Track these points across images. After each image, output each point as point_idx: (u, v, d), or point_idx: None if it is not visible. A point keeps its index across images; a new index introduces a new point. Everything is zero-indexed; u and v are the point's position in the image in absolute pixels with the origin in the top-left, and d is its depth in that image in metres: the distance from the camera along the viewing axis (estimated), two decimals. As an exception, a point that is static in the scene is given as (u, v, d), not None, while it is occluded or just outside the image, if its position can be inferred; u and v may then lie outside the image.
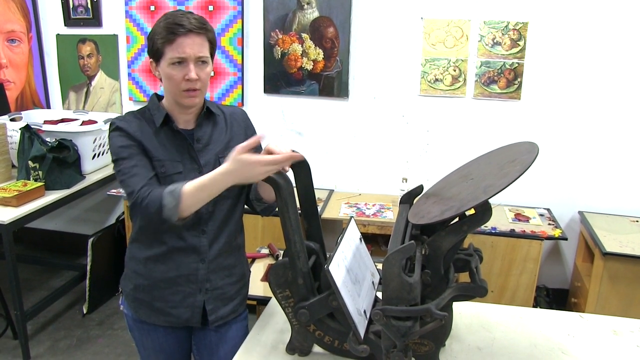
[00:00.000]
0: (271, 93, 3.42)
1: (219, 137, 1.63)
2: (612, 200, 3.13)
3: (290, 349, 1.53)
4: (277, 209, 1.46)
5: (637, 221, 3.03)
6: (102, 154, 3.33)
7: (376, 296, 1.50)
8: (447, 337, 1.49)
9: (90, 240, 3.27)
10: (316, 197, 1.60)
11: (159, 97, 1.63)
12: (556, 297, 3.25)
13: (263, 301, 1.99)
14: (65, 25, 3.66)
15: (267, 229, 3.09)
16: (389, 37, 3.18)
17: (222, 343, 1.72)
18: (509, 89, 3.09)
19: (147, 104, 1.61)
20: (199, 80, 1.50)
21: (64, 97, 3.82)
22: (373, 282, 1.51)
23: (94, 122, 3.29)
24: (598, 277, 2.74)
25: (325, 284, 1.43)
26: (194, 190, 1.41)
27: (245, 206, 1.73)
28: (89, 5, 3.56)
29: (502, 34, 3.03)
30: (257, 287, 2.24)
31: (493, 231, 2.87)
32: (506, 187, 1.18)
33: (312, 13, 3.21)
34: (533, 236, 2.85)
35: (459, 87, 3.15)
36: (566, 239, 2.91)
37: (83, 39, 3.66)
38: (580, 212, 3.12)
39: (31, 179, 2.91)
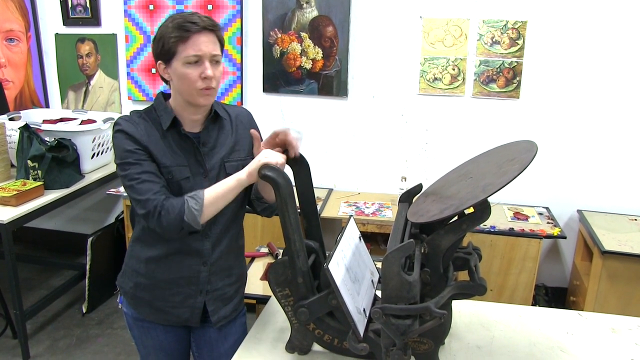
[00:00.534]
0: (270, 92, 3.42)
1: (225, 141, 1.61)
2: (611, 199, 3.13)
3: (290, 347, 1.54)
4: (276, 208, 1.46)
5: (635, 220, 3.04)
6: (102, 153, 3.33)
7: (375, 295, 1.51)
8: (447, 335, 1.49)
9: (89, 240, 3.27)
10: (315, 196, 1.61)
11: (165, 96, 1.60)
12: (555, 295, 3.26)
13: (263, 300, 1.99)
14: (64, 25, 3.66)
15: (267, 228, 3.09)
16: (388, 36, 3.18)
17: (222, 340, 1.73)
18: (508, 88, 3.10)
19: (153, 104, 1.58)
20: (214, 78, 1.48)
21: (63, 96, 3.81)
22: (372, 281, 1.52)
23: (93, 121, 3.29)
24: (597, 276, 2.74)
25: (324, 282, 1.44)
26: (214, 200, 1.47)
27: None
28: (88, 5, 3.56)
29: (501, 33, 3.03)
30: (257, 286, 2.25)
31: (492, 230, 2.88)
32: (505, 185, 1.18)
33: (311, 12, 3.21)
34: (532, 235, 2.85)
35: (457, 86, 3.15)
36: (565, 238, 2.91)
37: (82, 39, 3.66)
38: (579, 211, 3.13)
39: (30, 178, 2.91)
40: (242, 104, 3.45)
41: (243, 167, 1.50)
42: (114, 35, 3.59)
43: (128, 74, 3.61)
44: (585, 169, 3.13)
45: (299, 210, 1.47)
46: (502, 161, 1.35)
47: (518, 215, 3.06)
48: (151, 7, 3.43)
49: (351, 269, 1.38)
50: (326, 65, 3.27)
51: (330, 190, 3.44)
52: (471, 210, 1.29)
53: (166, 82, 1.55)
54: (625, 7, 2.86)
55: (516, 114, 3.13)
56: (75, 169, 3.08)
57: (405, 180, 3.15)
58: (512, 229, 2.89)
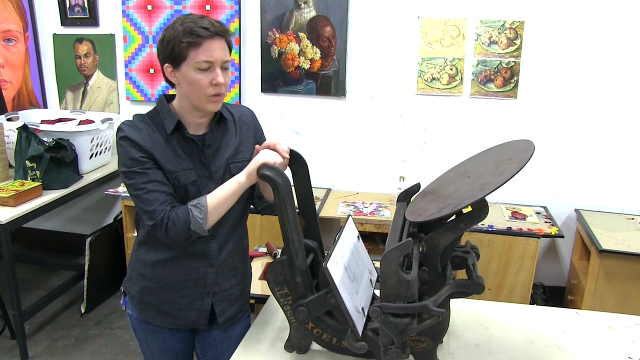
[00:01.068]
0: (268, 92, 3.43)
1: (229, 142, 1.61)
2: (608, 198, 3.14)
3: (289, 346, 1.54)
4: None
5: (633, 219, 3.05)
6: (100, 154, 3.33)
7: (374, 294, 1.51)
8: (445, 334, 1.49)
9: (88, 240, 3.27)
10: (314, 195, 1.61)
11: (168, 98, 1.59)
12: (553, 294, 3.27)
13: (261, 299, 2.00)
14: (62, 25, 3.66)
15: (265, 228, 3.10)
16: (385, 36, 3.19)
17: (226, 341, 1.73)
18: (506, 88, 3.10)
19: (156, 106, 1.57)
20: (224, 84, 1.49)
21: (61, 96, 3.81)
22: (371, 280, 1.52)
23: (91, 121, 3.29)
24: (594, 275, 2.75)
25: (323, 281, 1.44)
26: (217, 206, 1.48)
27: None
28: (86, 5, 3.56)
29: (499, 32, 3.04)
30: (256, 285, 2.24)
31: (490, 229, 2.88)
32: (502, 184, 1.19)
33: (309, 12, 3.21)
34: (530, 234, 2.86)
35: (455, 86, 3.16)
36: (563, 237, 2.93)
37: (80, 39, 3.65)
38: (577, 210, 3.14)
39: (28, 178, 2.91)
40: (240, 104, 3.45)
41: None
42: (112, 36, 3.59)
43: (126, 74, 3.61)
44: (582, 168, 3.14)
45: (297, 210, 1.47)
46: (499, 160, 1.35)
47: (516, 215, 3.06)
48: (149, 7, 3.43)
49: (350, 268, 1.38)
50: (324, 65, 3.28)
51: (329, 190, 3.45)
52: (469, 209, 1.30)
53: (172, 84, 1.54)
54: (623, 6, 2.87)
55: (514, 114, 3.14)
56: (73, 169, 3.08)
57: (403, 179, 3.15)
58: (510, 228, 2.90)
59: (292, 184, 1.48)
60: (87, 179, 3.16)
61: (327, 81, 3.30)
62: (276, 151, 1.48)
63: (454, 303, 1.66)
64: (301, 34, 3.25)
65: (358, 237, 1.55)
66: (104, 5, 3.56)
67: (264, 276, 2.29)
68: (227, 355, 1.67)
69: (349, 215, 1.60)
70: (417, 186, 1.60)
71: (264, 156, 1.45)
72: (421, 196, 1.53)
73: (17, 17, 3.67)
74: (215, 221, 1.50)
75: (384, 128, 3.33)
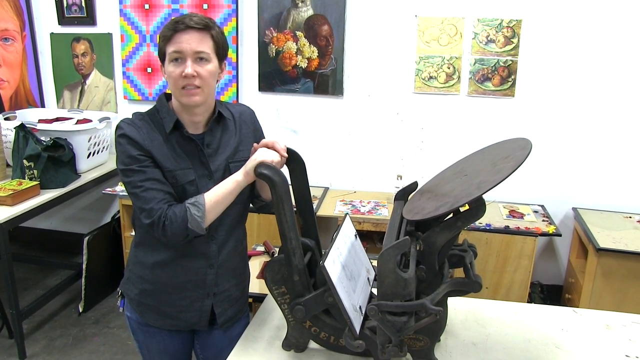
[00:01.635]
0: (266, 91, 3.42)
1: (228, 141, 1.60)
2: (605, 197, 3.15)
3: (287, 345, 1.54)
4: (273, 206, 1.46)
5: (630, 217, 3.05)
6: (97, 153, 3.33)
7: (371, 292, 1.51)
8: (442, 332, 1.50)
9: (85, 239, 3.26)
10: (311, 194, 1.61)
11: (168, 97, 1.58)
12: (550, 293, 3.27)
13: (259, 298, 1.99)
14: (59, 24, 3.65)
15: (263, 227, 3.10)
16: (383, 35, 3.19)
17: (226, 341, 1.72)
18: (503, 86, 3.11)
19: (156, 105, 1.56)
20: (198, 77, 1.45)
21: (59, 96, 3.81)
22: (368, 279, 1.52)
23: (89, 120, 3.29)
24: (592, 273, 2.75)
25: (320, 280, 1.44)
26: (214, 204, 1.47)
27: None
28: (83, 4, 3.55)
29: (496, 31, 3.04)
30: (253, 284, 2.24)
31: (487, 228, 2.89)
32: (499, 183, 1.19)
33: (306, 11, 3.21)
34: (527, 232, 2.87)
35: (453, 85, 3.16)
36: (560, 235, 2.93)
37: (77, 38, 3.65)
38: (574, 209, 3.14)
39: (26, 178, 2.90)
40: (237, 102, 3.45)
41: None
42: (109, 35, 3.59)
43: (124, 73, 3.61)
44: (580, 166, 3.14)
45: (295, 209, 1.47)
46: (496, 159, 1.36)
47: (513, 213, 3.07)
48: (146, 6, 3.43)
49: (347, 267, 1.38)
50: (322, 64, 3.28)
51: (326, 189, 3.45)
52: (466, 207, 1.30)
53: None
54: (620, 5, 2.87)
55: (511, 112, 3.14)
56: (71, 169, 3.07)
57: (400, 178, 3.15)
58: (508, 226, 2.90)
59: (289, 182, 1.48)
60: (85, 178, 3.16)
61: (324, 80, 3.30)
62: (274, 150, 1.48)
63: (452, 301, 1.66)
64: (298, 33, 3.25)
65: (355, 235, 1.55)
66: (101, 5, 3.55)
67: (262, 275, 2.29)
68: (226, 355, 1.67)
69: (346, 214, 1.60)
70: (414, 185, 1.60)
71: (261, 155, 1.45)
72: (418, 195, 1.53)
73: (15, 16, 3.66)
74: (213, 220, 1.50)
75: (382, 127, 3.33)
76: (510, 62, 3.06)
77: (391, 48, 3.19)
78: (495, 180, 1.21)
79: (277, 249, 2.28)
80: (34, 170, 2.88)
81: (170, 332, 1.69)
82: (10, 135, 3.05)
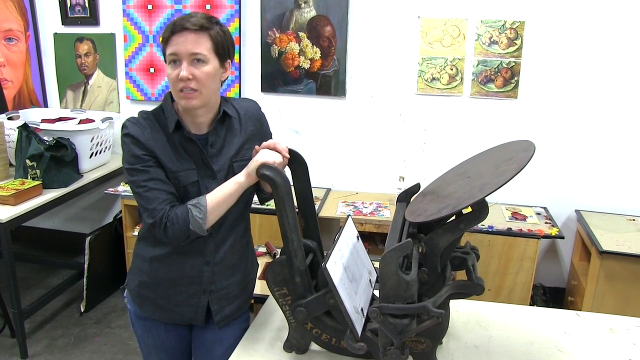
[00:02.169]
0: (268, 92, 3.42)
1: (233, 140, 1.60)
2: (608, 199, 3.14)
3: (288, 346, 1.54)
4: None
5: (633, 220, 3.04)
6: (100, 153, 3.33)
7: (373, 294, 1.51)
8: (444, 335, 1.49)
9: (87, 239, 3.27)
10: (313, 195, 1.61)
11: (173, 97, 1.57)
12: (553, 295, 3.26)
13: (260, 299, 1.99)
14: (62, 24, 3.66)
15: (265, 228, 3.09)
16: (386, 36, 3.18)
17: (218, 342, 1.71)
18: (506, 88, 3.10)
19: (162, 104, 1.56)
20: (194, 79, 1.44)
21: (62, 95, 3.81)
22: (370, 280, 1.52)
23: (92, 120, 3.29)
24: (595, 276, 2.74)
25: (322, 282, 1.44)
26: (216, 206, 1.48)
27: None
28: (87, 4, 3.56)
29: (499, 32, 3.03)
30: (255, 285, 2.24)
31: (490, 230, 2.88)
32: (502, 185, 1.19)
33: (309, 12, 3.21)
34: (530, 235, 2.86)
35: (456, 86, 3.16)
36: (563, 238, 2.92)
37: (80, 38, 3.65)
38: (577, 211, 3.13)
39: (29, 177, 2.91)
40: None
41: None
42: (112, 35, 3.59)
43: (126, 73, 3.61)
44: (583, 168, 3.13)
45: (297, 210, 1.47)
46: (499, 161, 1.35)
47: (516, 215, 3.06)
48: (150, 6, 3.43)
49: (349, 269, 1.38)
50: (324, 65, 3.28)
51: (328, 190, 3.45)
52: (469, 209, 1.29)
53: None
54: (623, 6, 2.87)
55: (514, 114, 3.14)
56: (73, 168, 3.08)
57: (403, 180, 3.15)
58: (510, 228, 2.89)
59: (291, 183, 1.48)
60: (87, 178, 3.16)
61: (327, 81, 3.30)
62: (276, 151, 1.48)
63: (454, 304, 1.66)
64: (301, 34, 3.25)
65: (357, 237, 1.55)
66: (104, 5, 3.56)
67: (263, 276, 2.29)
68: (221, 354, 1.66)
69: (348, 215, 1.60)
70: (416, 186, 1.60)
71: (263, 156, 1.45)
72: (421, 196, 1.52)
73: (18, 17, 3.67)
74: (215, 221, 1.50)
75: (384, 128, 3.32)
76: (513, 64, 3.05)
77: (394, 49, 3.19)
78: (498, 182, 1.20)
79: (279, 250, 2.28)
80: (37, 170, 2.89)
81: (166, 326, 1.70)
82: (13, 135, 3.05)
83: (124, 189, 3.37)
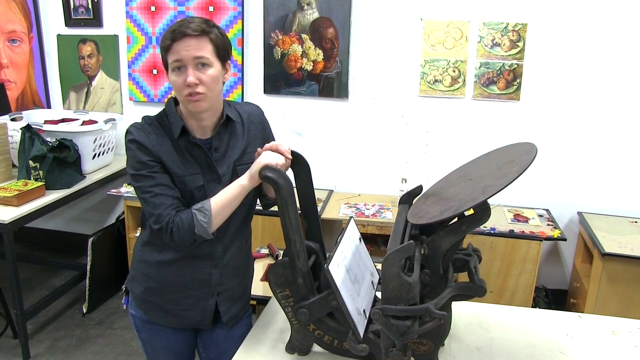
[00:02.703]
0: (271, 93, 3.43)
1: (236, 144, 1.61)
2: (611, 201, 3.13)
3: (290, 348, 1.54)
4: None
5: (636, 222, 3.04)
6: (103, 154, 3.34)
7: (375, 296, 1.51)
8: (446, 336, 1.49)
9: (90, 240, 3.27)
10: (316, 197, 1.61)
11: (176, 102, 1.58)
12: (555, 297, 3.26)
13: (263, 301, 2.00)
14: (66, 26, 3.67)
15: (267, 229, 3.10)
16: (388, 38, 3.19)
17: (229, 340, 1.73)
18: (508, 90, 3.10)
19: (165, 109, 1.57)
20: (201, 83, 1.45)
21: (65, 97, 3.82)
22: (372, 282, 1.52)
23: (95, 122, 3.30)
24: (597, 278, 2.74)
25: (324, 283, 1.44)
26: (220, 209, 1.48)
27: None
28: (90, 6, 3.57)
29: (502, 35, 3.03)
30: (257, 286, 2.25)
31: (492, 232, 2.88)
32: (505, 187, 1.19)
33: (312, 14, 3.21)
34: (532, 237, 2.85)
35: (458, 88, 3.16)
36: (565, 240, 2.92)
37: (84, 39, 3.66)
38: (579, 213, 3.13)
39: (32, 178, 2.92)
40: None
41: None
42: (115, 37, 3.60)
43: (129, 75, 3.62)
44: (585, 171, 3.13)
45: (299, 212, 1.47)
46: (502, 163, 1.35)
47: (518, 217, 3.06)
48: (153, 8, 3.44)
49: (351, 270, 1.38)
50: (327, 67, 3.28)
51: (331, 192, 3.45)
52: (471, 211, 1.30)
53: None
54: (625, 9, 2.87)
55: (516, 116, 3.14)
56: (76, 170, 3.08)
57: (405, 181, 3.15)
58: (512, 230, 2.89)
59: (294, 185, 1.48)
60: (90, 179, 3.17)
61: (329, 83, 3.30)
62: (278, 152, 1.49)
63: (456, 305, 1.66)
64: (304, 36, 3.26)
65: (360, 239, 1.55)
66: (107, 6, 3.57)
67: (266, 277, 2.29)
68: (229, 353, 1.67)
69: (350, 217, 1.60)
70: (419, 188, 1.60)
71: (266, 158, 1.45)
72: (423, 198, 1.52)
73: (22, 18, 3.68)
74: (219, 224, 1.51)
75: (387, 130, 3.33)
76: (516, 66, 3.05)
77: (396, 51, 3.19)
78: (500, 184, 1.20)
79: (282, 252, 2.28)
80: (40, 171, 2.89)
81: (174, 330, 1.71)
82: (17, 136, 3.06)
83: (126, 190, 3.37)
